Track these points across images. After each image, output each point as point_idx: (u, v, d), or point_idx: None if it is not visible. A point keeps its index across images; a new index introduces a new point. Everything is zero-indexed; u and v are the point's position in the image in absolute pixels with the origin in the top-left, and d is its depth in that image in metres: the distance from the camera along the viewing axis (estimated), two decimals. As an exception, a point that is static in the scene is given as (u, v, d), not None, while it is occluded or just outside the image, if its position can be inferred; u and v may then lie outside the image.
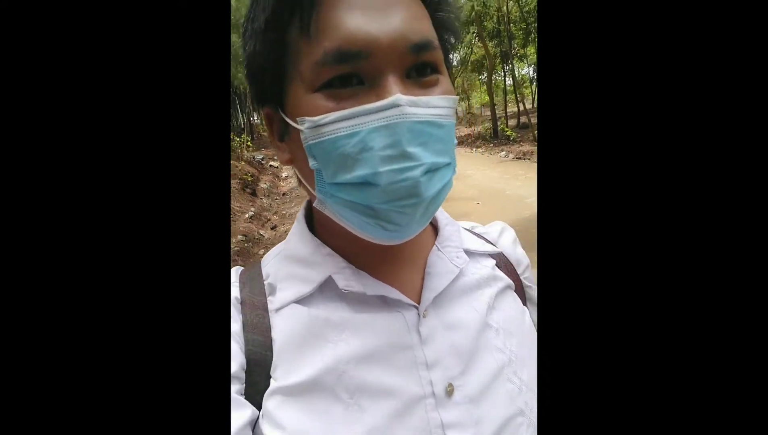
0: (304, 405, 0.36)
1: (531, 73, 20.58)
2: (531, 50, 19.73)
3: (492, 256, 0.49)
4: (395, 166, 0.31)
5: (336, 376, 0.37)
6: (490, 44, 13.96)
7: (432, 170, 0.34)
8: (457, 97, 0.37)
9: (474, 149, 12.87)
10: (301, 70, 0.34)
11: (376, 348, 0.38)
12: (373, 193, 0.32)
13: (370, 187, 0.32)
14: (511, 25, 15.85)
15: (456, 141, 0.38)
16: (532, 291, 0.52)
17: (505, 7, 14.52)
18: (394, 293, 0.39)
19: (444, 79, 0.37)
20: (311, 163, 0.35)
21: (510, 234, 0.54)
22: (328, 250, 0.41)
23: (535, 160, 8.34)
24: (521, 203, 5.74)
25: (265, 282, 0.43)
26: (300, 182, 0.41)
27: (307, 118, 0.33)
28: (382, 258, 0.41)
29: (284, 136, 0.39)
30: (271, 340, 0.39)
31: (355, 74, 0.33)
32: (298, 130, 0.34)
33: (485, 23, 13.18)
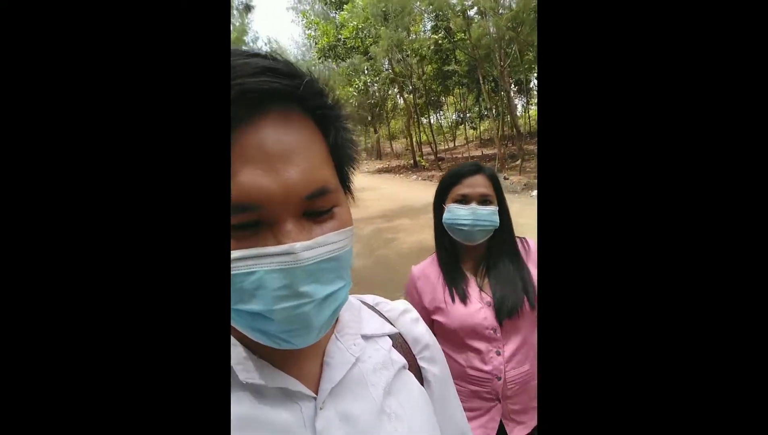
0: None
1: (454, 117, 25.53)
2: (450, 100, 24.75)
3: (389, 336, 0.51)
4: (288, 304, 0.35)
5: None
6: (409, 97, 18.42)
7: (324, 300, 0.37)
8: (353, 227, 0.42)
9: (396, 175, 17.03)
10: None
11: None
12: (267, 323, 0.35)
13: (264, 318, 0.35)
14: (427, 82, 20.58)
15: (352, 261, 0.41)
16: (428, 373, 0.53)
17: (421, 70, 19.13)
18: (293, 384, 0.41)
19: (341, 210, 0.40)
20: None
21: (412, 314, 0.57)
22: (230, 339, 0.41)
23: (434, 181, 12.46)
24: (404, 199, 9.69)
25: None
26: None
27: None
28: (283, 350, 0.41)
29: None
30: None
31: (251, 219, 0.35)
32: None
33: (406, 82, 17.59)
